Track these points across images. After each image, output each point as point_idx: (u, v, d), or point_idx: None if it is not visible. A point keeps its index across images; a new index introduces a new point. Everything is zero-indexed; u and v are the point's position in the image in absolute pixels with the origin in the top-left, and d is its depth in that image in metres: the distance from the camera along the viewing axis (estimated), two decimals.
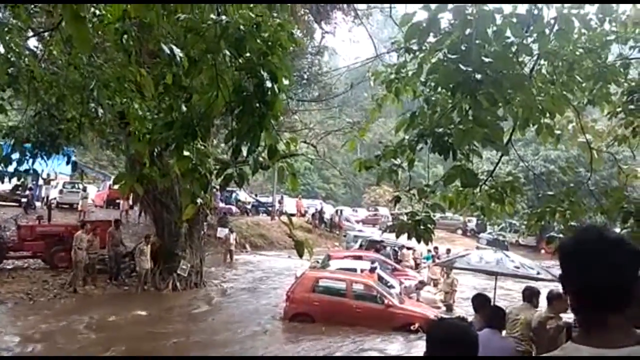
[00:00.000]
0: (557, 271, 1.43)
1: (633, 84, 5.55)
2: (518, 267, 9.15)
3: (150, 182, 3.93)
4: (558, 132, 5.43)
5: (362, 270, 15.05)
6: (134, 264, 15.78)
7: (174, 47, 2.98)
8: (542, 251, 31.08)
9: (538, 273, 8.83)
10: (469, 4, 3.03)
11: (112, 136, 14.80)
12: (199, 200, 3.30)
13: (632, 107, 5.74)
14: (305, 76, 21.82)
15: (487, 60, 2.86)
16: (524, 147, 36.67)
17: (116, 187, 3.95)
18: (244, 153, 3.20)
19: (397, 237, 4.22)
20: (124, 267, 16.39)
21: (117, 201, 26.27)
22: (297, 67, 19.74)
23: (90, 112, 5.25)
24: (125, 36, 4.07)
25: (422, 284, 15.58)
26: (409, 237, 4.10)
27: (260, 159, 3.27)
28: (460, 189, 4.69)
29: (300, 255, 3.09)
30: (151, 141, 3.90)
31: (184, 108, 3.37)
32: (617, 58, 5.70)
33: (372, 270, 14.72)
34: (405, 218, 4.37)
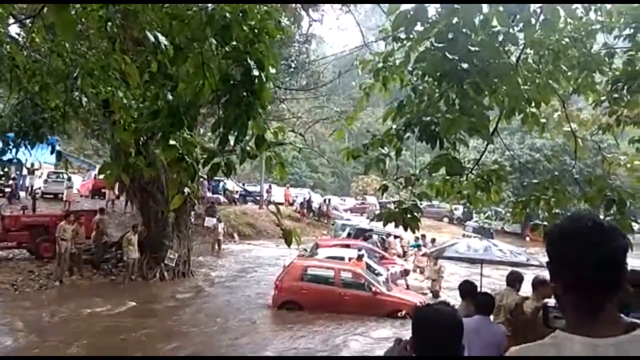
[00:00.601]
0: (543, 258, 1.41)
1: (617, 73, 5.60)
2: (506, 254, 9.30)
3: (136, 171, 3.89)
4: (543, 120, 5.48)
5: (349, 259, 15.13)
6: (120, 253, 15.70)
7: (159, 34, 2.93)
8: (527, 238, 31.53)
9: (528, 260, 8.97)
10: None
11: (96, 125, 14.64)
12: (186, 190, 3.27)
13: (616, 95, 5.81)
14: (293, 64, 21.69)
15: (473, 49, 2.86)
16: (509, 135, 37.00)
17: (102, 176, 3.91)
18: (232, 142, 3.17)
19: (385, 225, 4.25)
20: (110, 257, 16.32)
21: (103, 191, 26.00)
22: (284, 55, 19.61)
23: (74, 101, 5.17)
24: (109, 23, 4.00)
25: (406, 272, 15.71)
26: (397, 226, 4.12)
27: (248, 148, 3.25)
28: (447, 177, 4.73)
29: (289, 244, 3.10)
30: (137, 130, 3.86)
31: (169, 97, 3.33)
32: (602, 47, 5.75)
33: (359, 258, 14.81)
34: (392, 207, 4.39)
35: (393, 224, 4.18)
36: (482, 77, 2.93)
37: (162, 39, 2.94)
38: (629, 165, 10.45)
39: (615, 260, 1.27)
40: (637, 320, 1.28)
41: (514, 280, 6.90)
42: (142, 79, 3.81)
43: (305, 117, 25.73)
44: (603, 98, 6.29)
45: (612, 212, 4.12)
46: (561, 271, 1.33)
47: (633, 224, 4.68)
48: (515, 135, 38.48)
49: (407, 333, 9.55)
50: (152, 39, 2.88)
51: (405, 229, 4.12)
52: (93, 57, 4.98)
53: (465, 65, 2.83)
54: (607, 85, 6.13)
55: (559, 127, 9.48)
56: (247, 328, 11.23)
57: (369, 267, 14.75)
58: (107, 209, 23.11)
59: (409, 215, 3.98)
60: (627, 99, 6.14)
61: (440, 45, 2.91)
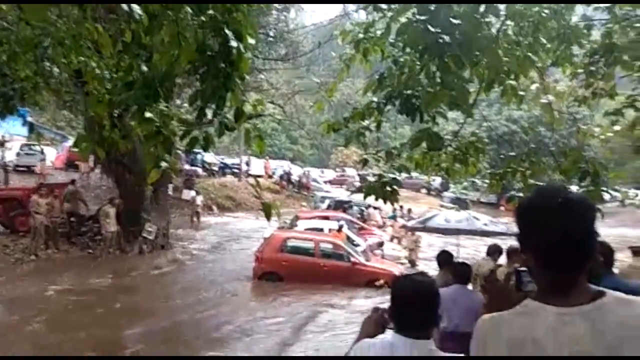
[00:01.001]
0: (515, 228, 1.42)
1: (595, 45, 5.64)
2: (487, 225, 9.58)
3: (112, 146, 3.80)
4: (522, 93, 5.52)
5: (329, 230, 15.27)
6: (97, 226, 15.51)
7: (132, 4, 2.81)
8: (502, 208, 32.18)
9: (508, 229, 9.25)
10: None
11: (69, 96, 14.22)
12: (163, 164, 3.21)
13: (592, 68, 5.86)
14: (272, 33, 21.25)
15: (455, 22, 2.83)
16: (487, 107, 37.32)
17: (76, 149, 3.80)
18: (209, 115, 3.11)
19: (365, 198, 4.28)
20: (86, 230, 16.11)
21: (77, 163, 25.45)
22: (262, 24, 19.19)
23: (45, 71, 4.98)
24: None
25: (380, 244, 15.79)
26: (376, 199, 4.15)
27: (226, 119, 3.19)
28: (426, 150, 4.75)
29: (268, 218, 3.09)
30: (111, 103, 3.74)
31: (144, 68, 3.22)
32: (581, 19, 5.77)
33: (340, 229, 14.96)
34: (372, 179, 4.41)
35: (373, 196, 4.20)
36: (463, 51, 2.91)
37: (135, 7, 2.82)
38: (602, 137, 10.67)
39: (585, 236, 1.30)
40: (604, 289, 1.31)
41: (495, 252, 7.10)
42: (115, 48, 3.68)
43: (284, 88, 25.40)
44: (580, 70, 6.35)
45: (585, 183, 4.21)
46: (531, 246, 1.35)
47: (605, 194, 4.80)
48: (493, 107, 38.85)
49: (380, 302, 9.66)
50: (125, 8, 2.76)
51: (385, 202, 4.15)
52: (64, 25, 4.78)
53: (447, 38, 2.80)
54: (584, 58, 6.17)
55: (536, 99, 9.56)
56: (220, 300, 11.15)
57: (348, 238, 14.92)
58: (82, 181, 22.73)
59: (388, 189, 4.00)
60: (604, 71, 6.21)
61: (423, 17, 2.86)
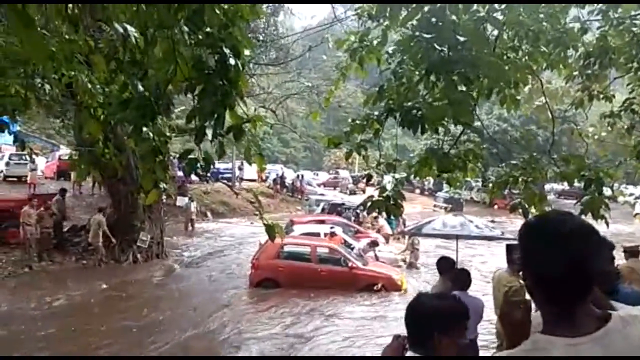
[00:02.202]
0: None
1: (590, 49, 5.63)
2: (482, 229, 9.53)
3: (108, 166, 3.72)
4: (519, 97, 5.49)
5: (325, 234, 15.19)
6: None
7: (127, 26, 2.72)
8: (495, 207, 32.35)
9: (502, 233, 9.23)
10: None
11: (59, 106, 14.05)
12: (162, 186, 3.13)
13: (588, 72, 5.87)
14: (261, 37, 21.16)
15: (461, 39, 2.77)
16: (478, 106, 37.50)
17: (66, 157, 3.73)
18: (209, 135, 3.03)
19: (369, 214, 4.23)
20: (79, 240, 15.93)
21: (69, 172, 25.19)
22: (252, 29, 19.11)
23: (36, 87, 4.87)
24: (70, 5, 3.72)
25: (373, 244, 15.34)
26: (379, 213, 4.10)
27: (225, 139, 3.12)
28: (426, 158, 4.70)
29: (272, 240, 3.02)
30: (105, 120, 3.66)
31: (140, 87, 3.13)
32: (572, 20, 5.77)
33: (332, 235, 14.85)
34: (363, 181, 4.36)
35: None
36: (469, 67, 2.86)
37: (130, 29, 2.74)
38: (595, 137, 10.72)
39: (590, 267, 1.27)
40: (609, 312, 1.31)
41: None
42: (108, 66, 3.58)
43: (275, 92, 25.30)
44: (575, 73, 6.36)
45: (589, 191, 4.18)
46: (535, 270, 1.33)
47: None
48: (484, 106, 38.99)
49: (379, 307, 9.46)
50: (120, 30, 2.68)
51: (388, 216, 4.10)
52: (53, 39, 4.67)
53: (452, 55, 2.74)
54: (578, 60, 6.18)
55: (530, 101, 9.59)
56: (214, 309, 10.85)
57: (345, 242, 14.85)
58: (74, 191, 22.54)
59: (391, 203, 3.94)
60: (598, 73, 6.23)
61: (428, 35, 2.80)
